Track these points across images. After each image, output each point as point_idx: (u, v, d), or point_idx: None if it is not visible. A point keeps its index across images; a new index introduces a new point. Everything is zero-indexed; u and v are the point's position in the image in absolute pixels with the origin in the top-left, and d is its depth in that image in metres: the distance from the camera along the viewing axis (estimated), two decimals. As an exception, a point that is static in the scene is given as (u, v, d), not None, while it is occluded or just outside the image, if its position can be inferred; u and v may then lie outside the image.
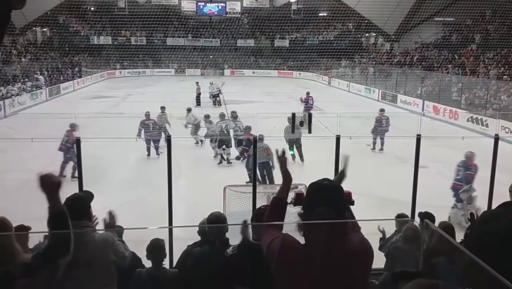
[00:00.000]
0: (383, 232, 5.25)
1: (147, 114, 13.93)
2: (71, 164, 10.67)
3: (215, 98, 24.52)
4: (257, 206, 6.91)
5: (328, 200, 2.04)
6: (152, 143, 13.51)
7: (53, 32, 40.57)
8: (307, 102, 19.88)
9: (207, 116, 14.23)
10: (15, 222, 3.58)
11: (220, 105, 23.75)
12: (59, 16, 39.42)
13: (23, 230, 4.56)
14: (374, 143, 14.50)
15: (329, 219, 1.99)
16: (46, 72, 30.17)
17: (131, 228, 4.37)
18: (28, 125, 16.43)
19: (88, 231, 2.77)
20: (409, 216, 6.18)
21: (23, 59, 31.47)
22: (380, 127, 14.37)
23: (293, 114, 7.79)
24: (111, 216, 3.18)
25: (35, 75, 28.25)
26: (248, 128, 12.20)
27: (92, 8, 43.56)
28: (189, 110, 15.44)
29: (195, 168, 12.50)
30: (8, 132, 15.90)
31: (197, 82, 25.08)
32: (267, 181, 10.28)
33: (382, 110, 15.12)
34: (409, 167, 7.57)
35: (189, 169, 12.08)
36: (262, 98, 27.74)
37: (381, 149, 14.40)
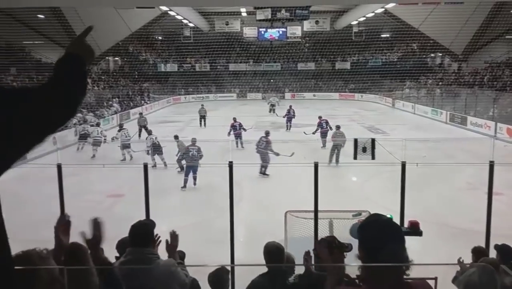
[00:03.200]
0: (462, 265, 4.93)
1: (193, 140, 13.58)
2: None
3: (273, 106, 31.18)
4: (319, 231, 6.81)
5: (390, 239, 1.86)
6: (191, 173, 13.01)
7: (124, 61, 43.10)
8: (322, 126, 19.06)
9: (176, 137, 15.24)
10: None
11: (277, 116, 27.80)
12: (130, 46, 41.85)
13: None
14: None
15: (396, 261, 1.82)
16: (117, 99, 31.98)
17: (191, 265, 4.39)
18: (99, 150, 17.40)
19: (153, 258, 2.84)
20: (483, 246, 5.80)
21: (95, 88, 33.60)
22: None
23: (356, 140, 7.61)
24: (174, 236, 3.24)
25: (110, 102, 30.05)
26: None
27: (160, 38, 45.82)
28: (176, 137, 15.39)
29: (256, 191, 12.54)
30: (82, 158, 16.91)
31: (202, 105, 27.14)
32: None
33: None
34: (482, 193, 7.13)
35: (251, 192, 12.15)
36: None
37: None
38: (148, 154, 15.31)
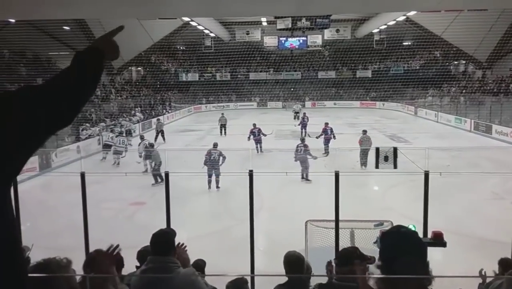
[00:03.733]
0: (483, 277, 4.80)
1: (215, 144, 14.23)
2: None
3: (297, 113, 31.49)
4: (340, 241, 6.73)
5: (409, 250, 1.81)
6: (214, 176, 13.54)
7: (146, 71, 43.78)
8: (326, 133, 19.08)
9: (142, 137, 17.01)
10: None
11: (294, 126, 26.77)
12: (152, 56, 42.49)
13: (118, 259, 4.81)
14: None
15: (413, 272, 1.76)
16: (139, 108, 32.43)
17: (210, 275, 4.38)
18: (122, 159, 17.65)
19: (173, 267, 2.86)
20: (510, 257, 5.64)
21: (118, 98, 34.18)
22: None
23: (377, 149, 7.51)
24: (181, 250, 3.26)
25: (133, 112, 30.49)
26: None
27: (181, 48, 46.41)
28: (142, 138, 17.30)
29: (276, 200, 12.50)
30: (105, 166, 17.19)
31: (222, 114, 27.14)
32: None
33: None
34: (507, 203, 6.95)
35: (270, 201, 12.11)
36: (343, 130, 27.29)
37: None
38: (140, 157, 15.77)
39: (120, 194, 12.50)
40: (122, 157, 17.81)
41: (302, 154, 14.81)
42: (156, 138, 22.86)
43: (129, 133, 22.90)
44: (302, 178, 14.59)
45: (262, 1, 7.25)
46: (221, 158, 13.65)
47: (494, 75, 35.67)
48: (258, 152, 18.86)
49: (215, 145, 14.27)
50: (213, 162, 13.57)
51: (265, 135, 19.91)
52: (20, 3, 7.16)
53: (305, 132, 24.12)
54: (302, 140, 15.94)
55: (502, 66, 34.38)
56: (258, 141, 19.47)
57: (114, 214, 11.41)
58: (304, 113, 25.92)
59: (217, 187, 13.58)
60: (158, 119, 25.82)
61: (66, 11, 9.03)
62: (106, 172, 14.49)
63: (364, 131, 17.25)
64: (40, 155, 15.73)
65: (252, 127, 20.06)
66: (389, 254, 1.83)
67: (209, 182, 13.57)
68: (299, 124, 25.13)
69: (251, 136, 19.66)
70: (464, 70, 40.61)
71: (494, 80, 34.43)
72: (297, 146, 15.23)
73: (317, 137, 19.08)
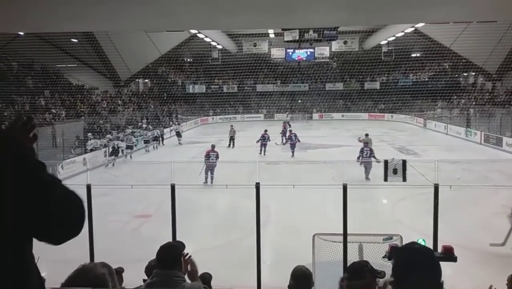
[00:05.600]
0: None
1: (213, 146, 16.85)
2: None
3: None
4: (348, 256, 6.61)
5: (424, 267, 1.74)
6: (210, 173, 15.51)
7: (153, 83, 44.05)
8: (292, 139, 22.10)
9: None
10: (113, 262, 3.73)
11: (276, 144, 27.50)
12: (159, 68, 42.79)
13: (118, 273, 4.75)
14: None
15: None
16: (145, 120, 32.56)
17: (216, 288, 4.30)
18: (128, 171, 17.68)
19: (179, 281, 2.80)
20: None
21: (126, 110, 34.39)
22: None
23: (386, 162, 7.41)
24: (191, 262, 3.19)
25: (140, 123, 30.60)
26: None
27: (189, 60, 46.72)
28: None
29: (283, 213, 12.38)
30: (111, 178, 17.19)
31: (231, 126, 27.84)
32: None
33: None
34: (521, 218, 6.81)
35: (278, 214, 11.99)
36: (351, 142, 27.13)
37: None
38: (108, 152, 19.11)
39: (126, 206, 12.45)
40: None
41: (368, 157, 15.99)
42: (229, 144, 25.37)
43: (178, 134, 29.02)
44: (367, 178, 15.70)
45: (269, 12, 7.24)
46: (217, 159, 16.05)
47: (504, 87, 35.43)
48: (262, 153, 22.17)
49: (213, 146, 16.79)
50: (211, 162, 15.71)
51: (269, 140, 22.87)
52: (29, 16, 7.20)
53: (293, 153, 22.16)
54: (366, 144, 17.17)
55: (512, 78, 34.18)
56: (264, 145, 22.55)
57: (120, 226, 11.34)
58: (290, 130, 24.13)
59: (212, 182, 15.36)
60: (231, 126, 27.42)
61: (74, 24, 9.08)
62: (112, 184, 14.47)
63: (366, 134, 18.96)
64: (47, 167, 15.81)
65: (264, 132, 22.83)
66: (402, 270, 1.78)
67: (206, 178, 15.45)
68: (283, 142, 25.35)
69: (261, 140, 22.45)
70: (474, 82, 40.36)
71: (504, 92, 34.18)
72: (363, 149, 16.50)
73: (283, 143, 23.65)
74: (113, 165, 20.22)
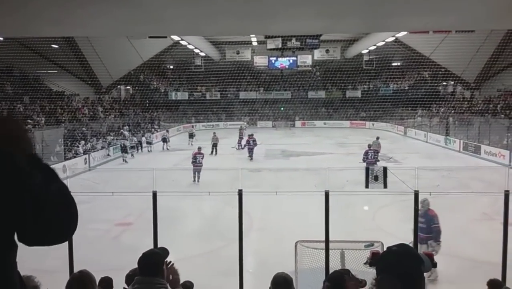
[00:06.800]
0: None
1: (199, 148, 17.87)
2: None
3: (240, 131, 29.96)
4: (330, 263, 6.61)
5: (394, 268, 1.78)
6: (197, 173, 16.87)
7: (135, 90, 43.64)
8: (249, 144, 22.97)
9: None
10: (96, 271, 3.65)
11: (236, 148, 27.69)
12: (141, 75, 42.45)
13: (107, 281, 4.65)
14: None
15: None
16: (127, 127, 32.22)
17: None
18: (109, 178, 17.46)
19: (160, 288, 2.75)
20: (500, 279, 5.57)
21: (107, 117, 33.96)
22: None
23: (367, 169, 7.48)
24: (173, 270, 3.14)
25: (121, 130, 30.23)
26: None
27: (171, 67, 46.47)
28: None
29: (266, 220, 12.35)
30: (91, 186, 16.92)
31: (214, 133, 27.63)
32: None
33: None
34: (497, 224, 6.90)
35: (260, 221, 11.96)
36: (334, 150, 27.34)
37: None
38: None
39: (106, 214, 12.26)
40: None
41: (373, 159, 16.47)
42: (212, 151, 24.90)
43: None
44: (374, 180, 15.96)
45: (252, 19, 7.28)
46: (203, 159, 17.20)
47: (482, 96, 36.18)
48: (250, 159, 22.77)
49: (200, 149, 17.76)
50: (198, 164, 16.90)
51: (256, 145, 23.25)
52: (9, 21, 7.09)
53: (251, 156, 23.10)
54: (369, 146, 17.76)
55: (490, 87, 34.92)
56: (251, 150, 23.00)
57: (99, 235, 11.16)
58: (251, 135, 24.03)
59: (198, 181, 16.78)
60: (214, 133, 27.21)
61: (55, 29, 8.98)
62: (92, 191, 14.24)
63: (377, 138, 20.50)
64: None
65: (248, 137, 23.50)
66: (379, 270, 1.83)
67: (194, 177, 16.90)
68: (241, 147, 25.66)
69: (247, 145, 23.23)
70: (453, 91, 41.16)
71: (482, 100, 34.92)
72: (367, 152, 16.93)
73: (241, 148, 24.67)
74: (127, 161, 24.04)
